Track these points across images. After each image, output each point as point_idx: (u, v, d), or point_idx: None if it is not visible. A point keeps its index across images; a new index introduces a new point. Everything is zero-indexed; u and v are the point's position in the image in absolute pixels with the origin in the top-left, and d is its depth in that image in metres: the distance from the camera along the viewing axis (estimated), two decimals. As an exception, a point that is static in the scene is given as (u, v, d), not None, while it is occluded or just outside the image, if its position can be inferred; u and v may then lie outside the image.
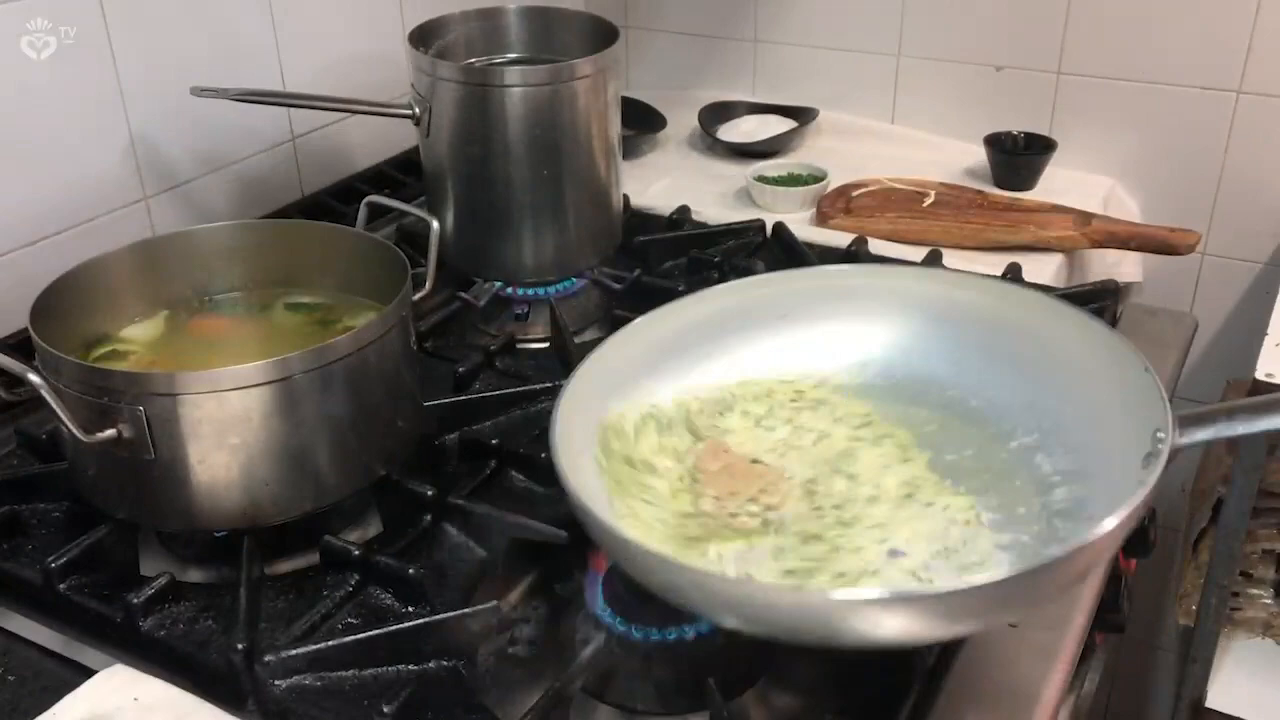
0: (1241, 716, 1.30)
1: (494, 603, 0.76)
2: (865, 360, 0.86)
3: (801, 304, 0.87)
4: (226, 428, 0.78)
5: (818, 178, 1.43)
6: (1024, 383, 0.79)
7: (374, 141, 1.42)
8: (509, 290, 1.17)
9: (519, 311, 1.16)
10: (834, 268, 0.95)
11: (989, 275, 0.84)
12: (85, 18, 1.07)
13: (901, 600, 0.59)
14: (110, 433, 0.77)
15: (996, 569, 0.67)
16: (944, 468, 0.76)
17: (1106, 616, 0.92)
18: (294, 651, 0.74)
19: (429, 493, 0.86)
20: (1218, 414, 0.66)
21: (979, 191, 1.40)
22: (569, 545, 0.81)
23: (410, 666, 0.74)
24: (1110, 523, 0.58)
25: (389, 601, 0.80)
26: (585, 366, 0.78)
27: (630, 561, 0.66)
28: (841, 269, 0.94)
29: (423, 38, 1.16)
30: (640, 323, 0.84)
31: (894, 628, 0.60)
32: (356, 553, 0.81)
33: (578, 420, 0.75)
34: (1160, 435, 0.65)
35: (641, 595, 0.73)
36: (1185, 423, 0.65)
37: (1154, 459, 0.64)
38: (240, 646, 0.74)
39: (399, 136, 1.40)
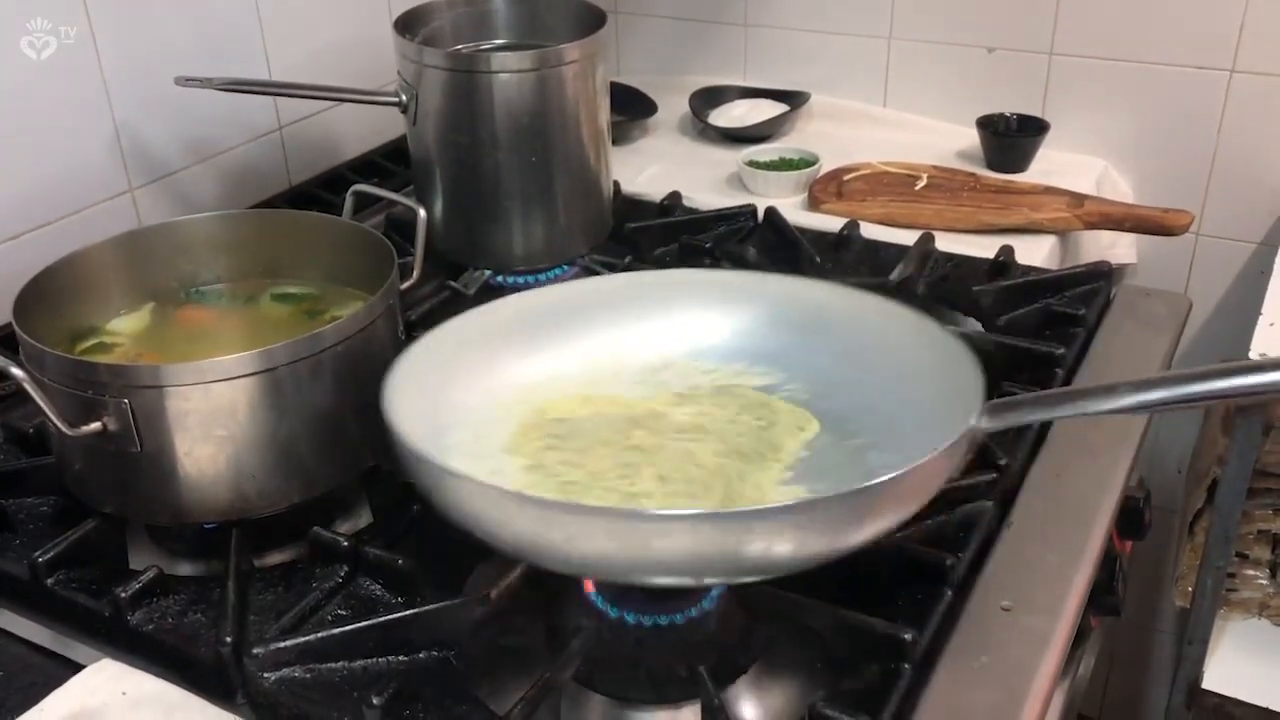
0: (1238, 697, 1.30)
1: (485, 592, 0.76)
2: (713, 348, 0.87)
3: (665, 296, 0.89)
4: (213, 419, 0.78)
5: (809, 162, 1.42)
6: (867, 382, 0.81)
7: (362, 130, 1.41)
8: (499, 278, 1.17)
9: (509, 300, 1.16)
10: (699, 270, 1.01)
11: (840, 281, 0.88)
12: (68, 9, 1.06)
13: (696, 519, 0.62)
14: (95, 426, 0.77)
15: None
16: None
17: (1102, 599, 0.91)
18: (283, 644, 0.73)
19: (419, 482, 0.85)
20: (1023, 404, 0.70)
21: (971, 174, 1.40)
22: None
23: (400, 657, 0.74)
24: (884, 476, 0.62)
25: (379, 592, 0.80)
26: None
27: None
28: (712, 272, 0.99)
29: (408, 25, 1.15)
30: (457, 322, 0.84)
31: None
32: (346, 544, 0.81)
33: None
34: (972, 422, 0.68)
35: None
36: (993, 410, 0.68)
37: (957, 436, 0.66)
38: (229, 639, 0.73)
39: (387, 125, 1.39)
